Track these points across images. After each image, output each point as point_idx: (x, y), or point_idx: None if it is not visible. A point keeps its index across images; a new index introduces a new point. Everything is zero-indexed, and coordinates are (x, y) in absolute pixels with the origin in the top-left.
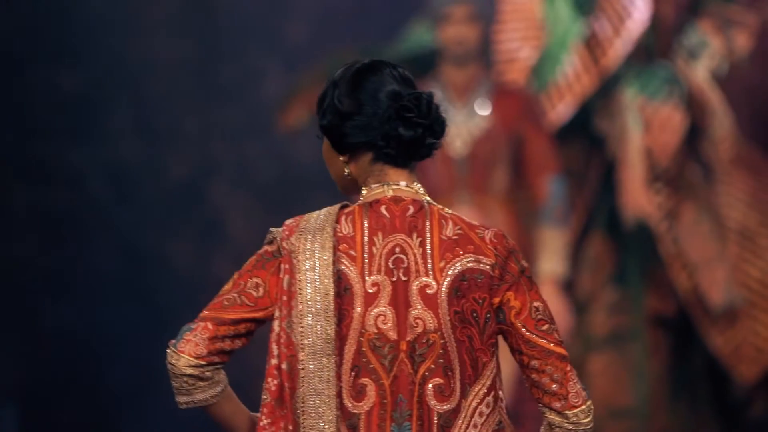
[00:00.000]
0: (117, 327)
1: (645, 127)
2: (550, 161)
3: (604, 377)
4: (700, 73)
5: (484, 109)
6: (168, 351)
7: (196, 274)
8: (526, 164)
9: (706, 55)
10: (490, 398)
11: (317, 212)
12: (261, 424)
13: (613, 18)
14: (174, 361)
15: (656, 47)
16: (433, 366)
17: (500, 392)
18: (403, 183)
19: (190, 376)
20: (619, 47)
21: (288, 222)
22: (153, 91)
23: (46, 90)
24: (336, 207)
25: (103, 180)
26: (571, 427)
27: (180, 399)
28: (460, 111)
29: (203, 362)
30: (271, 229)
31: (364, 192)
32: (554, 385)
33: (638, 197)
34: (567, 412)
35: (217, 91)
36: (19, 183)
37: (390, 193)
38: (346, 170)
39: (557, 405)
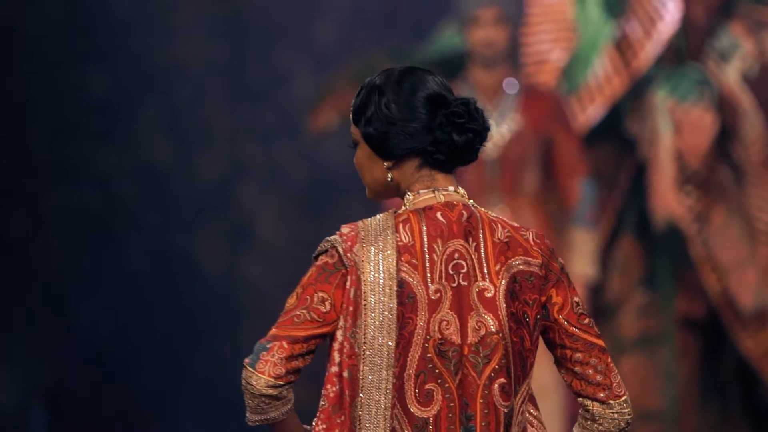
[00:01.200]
0: (145, 328)
1: (675, 129)
2: (580, 163)
3: (633, 380)
4: (731, 75)
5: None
6: (246, 371)
7: (225, 276)
8: (555, 166)
9: (737, 57)
10: (525, 396)
11: (371, 220)
12: (317, 429)
13: (644, 20)
14: (253, 382)
15: (687, 49)
16: (497, 367)
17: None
18: (451, 188)
19: (268, 396)
20: (650, 49)
21: (345, 231)
22: (182, 93)
23: (76, 91)
24: (390, 214)
25: (133, 181)
26: (615, 416)
27: (253, 417)
28: (489, 114)
29: (281, 382)
30: (327, 239)
31: (409, 197)
32: (599, 377)
33: (668, 199)
34: (612, 401)
35: (247, 92)
36: (49, 184)
37: (442, 199)
38: (389, 176)
39: (602, 395)
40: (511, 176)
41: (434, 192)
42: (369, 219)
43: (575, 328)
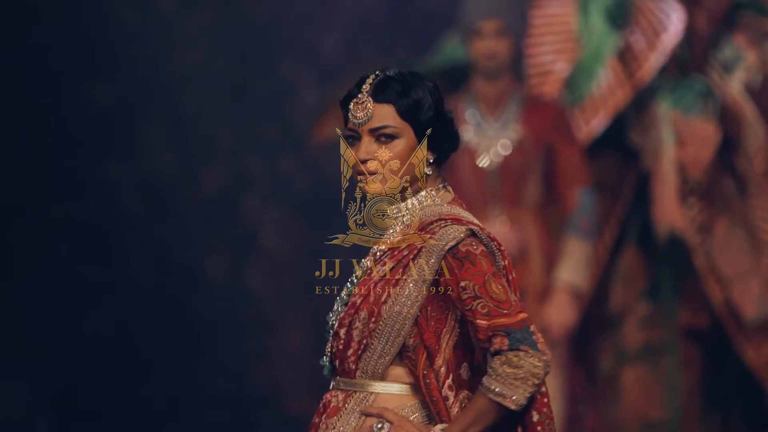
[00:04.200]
0: (149, 339)
1: (679, 140)
2: (581, 174)
3: (637, 390)
4: (735, 86)
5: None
6: (532, 357)
7: (229, 287)
8: (556, 176)
9: (741, 68)
10: None
11: (465, 214)
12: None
13: (647, 31)
14: (544, 363)
15: (691, 60)
16: None
17: None
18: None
19: (546, 374)
20: (653, 60)
21: (478, 223)
22: (187, 105)
23: (81, 104)
24: (461, 207)
25: (137, 193)
26: None
27: (525, 401)
28: (491, 125)
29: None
30: (474, 231)
31: (432, 193)
32: None
33: (671, 210)
34: None
35: (251, 104)
36: (54, 196)
37: (453, 194)
38: (428, 170)
39: None
40: (512, 186)
41: (448, 187)
42: (464, 214)
43: None
